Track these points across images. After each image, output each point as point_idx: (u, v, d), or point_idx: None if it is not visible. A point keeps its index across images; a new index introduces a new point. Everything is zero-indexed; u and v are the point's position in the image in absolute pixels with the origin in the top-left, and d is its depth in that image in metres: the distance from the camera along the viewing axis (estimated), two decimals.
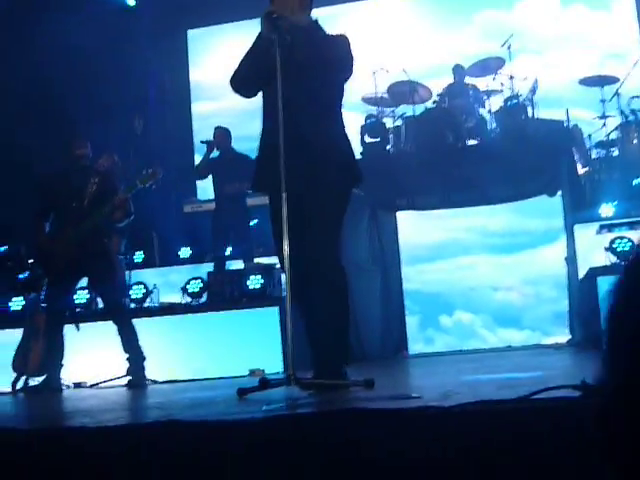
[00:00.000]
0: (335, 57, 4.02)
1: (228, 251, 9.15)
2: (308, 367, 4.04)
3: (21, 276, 9.01)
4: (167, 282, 9.29)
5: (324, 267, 3.99)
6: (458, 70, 9.85)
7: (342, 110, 4.22)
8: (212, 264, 9.12)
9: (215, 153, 9.12)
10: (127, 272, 8.70)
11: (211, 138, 9.15)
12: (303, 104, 3.92)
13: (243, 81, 4.07)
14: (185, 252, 9.96)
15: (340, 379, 3.89)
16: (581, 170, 9.17)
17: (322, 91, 3.98)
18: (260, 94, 4.26)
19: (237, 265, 8.97)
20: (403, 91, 9.58)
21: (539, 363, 5.62)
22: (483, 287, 10.03)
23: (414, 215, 9.75)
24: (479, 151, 9.10)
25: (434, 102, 9.56)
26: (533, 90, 9.22)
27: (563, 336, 8.73)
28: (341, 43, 4.11)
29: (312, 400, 3.49)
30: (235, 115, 10.41)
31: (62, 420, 3.65)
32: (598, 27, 10.76)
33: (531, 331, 9.67)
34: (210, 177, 9.26)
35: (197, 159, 10.43)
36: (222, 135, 9.12)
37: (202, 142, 9.27)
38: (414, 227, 9.96)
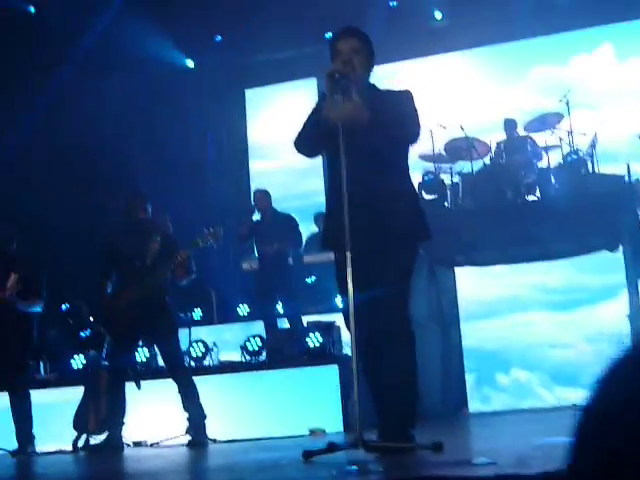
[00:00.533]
0: (399, 113, 3.99)
1: (280, 309, 9.14)
2: (369, 426, 3.96)
3: (82, 334, 9.10)
4: (225, 339, 9.31)
5: (395, 325, 3.94)
6: (509, 124, 9.84)
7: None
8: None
9: (258, 215, 9.21)
10: (186, 329, 8.72)
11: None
12: (368, 162, 3.91)
13: (307, 141, 4.08)
14: (243, 309, 9.97)
15: (407, 442, 3.82)
16: None
17: (387, 148, 3.96)
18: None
19: (285, 324, 8.97)
20: (460, 147, 9.58)
21: None
22: (540, 344, 9.85)
23: (471, 271, 9.67)
24: (539, 206, 9.03)
25: (491, 158, 9.54)
26: (593, 145, 9.16)
27: None
28: (405, 98, 4.10)
29: (381, 465, 3.41)
30: (289, 173, 10.52)
31: None
32: None
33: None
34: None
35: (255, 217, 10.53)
36: (262, 197, 9.22)
37: (247, 208, 9.36)
38: (471, 283, 9.85)
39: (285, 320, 9.13)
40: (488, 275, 9.78)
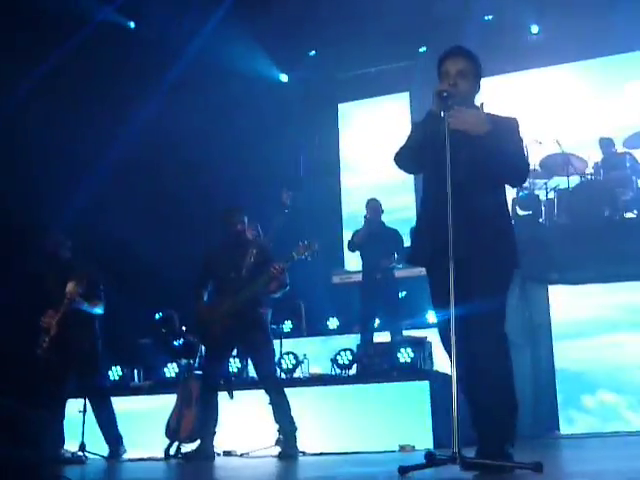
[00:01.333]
0: (507, 138, 3.97)
1: (376, 323, 9.11)
2: (462, 444, 3.89)
3: (176, 343, 9.24)
4: (314, 352, 9.33)
5: (492, 343, 3.91)
6: (605, 143, 9.64)
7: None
8: (359, 335, 9.11)
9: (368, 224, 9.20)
10: (277, 341, 8.77)
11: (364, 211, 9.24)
12: (468, 181, 3.88)
13: (409, 157, 4.06)
14: (333, 322, 9.99)
15: (506, 460, 3.75)
16: None
17: (489, 171, 3.92)
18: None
19: (384, 338, 8.92)
20: (556, 163, 9.43)
21: None
22: (629, 366, 9.57)
23: (562, 290, 9.47)
24: (637, 224, 8.81)
25: (589, 174, 9.36)
26: None
27: None
28: (513, 128, 4.07)
29: None
30: (379, 189, 10.49)
31: None
32: None
33: None
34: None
35: (345, 232, 10.56)
36: (375, 208, 9.20)
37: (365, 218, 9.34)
38: (560, 302, 9.65)
39: (379, 334, 9.08)
40: (577, 294, 9.56)
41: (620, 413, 9.45)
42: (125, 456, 7.31)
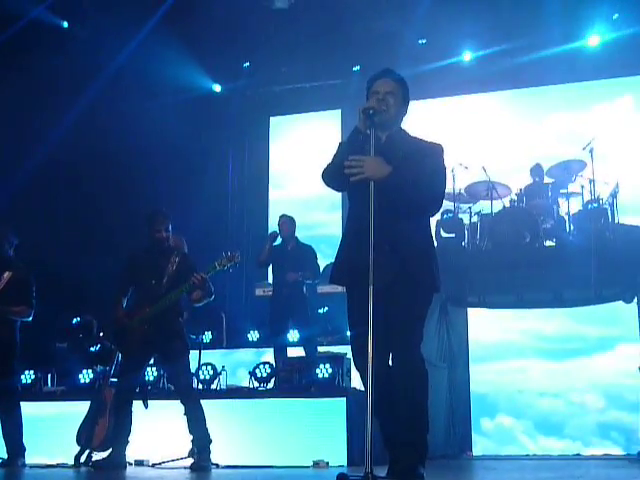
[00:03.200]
0: (427, 165, 4.01)
1: (291, 337, 9.10)
2: (374, 463, 3.89)
3: (92, 349, 9.10)
4: (234, 364, 9.31)
5: (409, 363, 3.95)
6: (537, 170, 9.84)
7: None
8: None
9: (278, 240, 9.19)
10: (196, 352, 8.71)
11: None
12: (391, 204, 3.90)
13: (335, 174, 4.08)
14: (253, 335, 9.96)
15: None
16: None
17: (412, 194, 3.95)
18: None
19: (298, 352, 8.93)
20: (481, 190, 9.60)
21: (620, 476, 5.40)
22: (530, 392, 9.80)
23: (475, 313, 9.66)
24: (556, 253, 9.01)
25: (512, 200, 9.55)
26: (614, 194, 9.15)
27: (604, 448, 8.80)
28: (435, 152, 4.10)
29: None
30: (304, 204, 10.52)
31: None
32: None
33: (571, 441, 9.40)
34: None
35: None
36: (286, 223, 9.22)
37: (270, 234, 9.35)
38: (472, 325, 9.83)
39: (294, 349, 9.09)
40: (488, 318, 9.75)
41: (516, 437, 9.66)
42: (35, 462, 7.14)
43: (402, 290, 3.93)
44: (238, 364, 9.44)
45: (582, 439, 9.39)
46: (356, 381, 7.77)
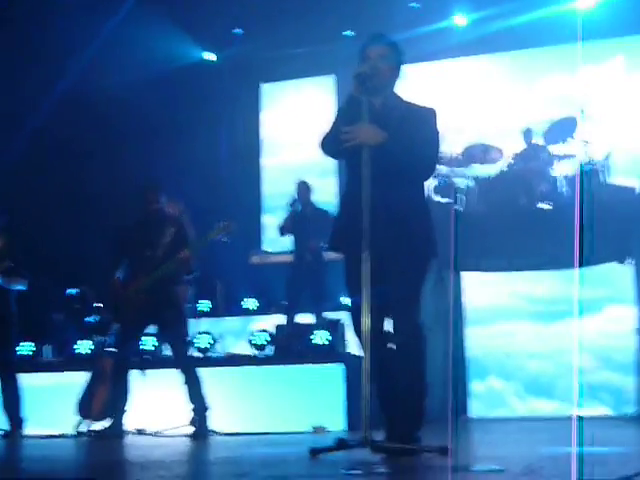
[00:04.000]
0: (421, 129, 4.01)
1: (307, 303, 9.11)
2: (372, 427, 3.92)
3: (89, 319, 9.11)
4: (231, 332, 9.33)
5: (408, 329, 3.97)
6: (528, 134, 9.81)
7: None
8: (276, 315, 9.13)
9: (298, 208, 9.19)
10: (193, 320, 8.72)
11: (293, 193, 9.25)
12: (387, 170, 3.89)
13: (333, 143, 4.06)
14: (250, 303, 9.97)
15: (414, 444, 3.82)
16: None
17: (407, 159, 3.95)
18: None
19: (305, 319, 8.95)
20: (475, 153, 9.57)
21: (614, 437, 5.45)
22: (519, 354, 9.84)
23: (471, 277, 9.67)
24: (551, 215, 9.02)
25: (507, 164, 9.53)
26: (607, 156, 9.14)
27: (593, 408, 8.85)
28: (428, 117, 4.10)
29: (389, 466, 3.41)
30: (298, 171, 10.47)
31: (138, 472, 3.61)
32: None
33: (561, 402, 9.46)
34: None
35: (265, 213, 10.57)
36: (304, 190, 9.20)
37: (290, 204, 9.32)
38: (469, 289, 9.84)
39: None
40: (477, 282, 9.74)
41: (505, 399, 9.71)
42: (34, 432, 7.19)
43: (400, 257, 3.94)
44: (236, 332, 9.46)
45: (571, 400, 9.45)
46: (354, 347, 7.82)
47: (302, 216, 9.11)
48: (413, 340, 3.98)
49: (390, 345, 3.98)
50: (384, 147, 3.87)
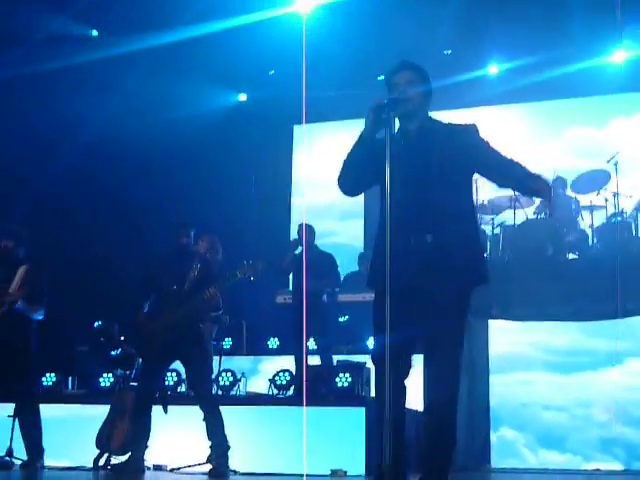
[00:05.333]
0: (464, 146, 3.86)
1: (310, 345, 9.08)
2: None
3: (113, 353, 9.13)
4: (254, 371, 9.31)
5: (446, 375, 3.77)
6: (559, 182, 9.80)
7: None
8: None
9: (298, 249, 9.21)
10: (216, 358, 8.72)
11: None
12: (429, 193, 3.75)
13: (352, 172, 3.93)
14: (273, 342, 9.96)
15: None
16: None
17: (451, 181, 3.80)
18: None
19: (315, 361, 8.92)
20: (504, 202, 9.58)
21: None
22: (534, 405, 9.74)
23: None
24: (578, 266, 8.98)
25: (535, 212, 9.52)
26: (638, 208, 9.11)
27: (605, 463, 8.80)
28: (471, 132, 3.95)
29: None
30: (326, 212, 10.50)
31: None
32: None
33: (572, 455, 9.33)
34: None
35: None
36: (306, 233, 9.22)
37: (291, 241, 9.36)
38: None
39: (311, 357, 9.07)
40: (497, 330, 9.67)
41: (517, 450, 9.59)
42: (54, 464, 7.18)
43: (445, 288, 3.72)
44: (257, 371, 9.44)
45: (582, 454, 9.33)
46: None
47: (302, 258, 9.12)
48: (449, 386, 3.77)
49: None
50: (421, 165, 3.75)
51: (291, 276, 9.48)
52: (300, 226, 9.35)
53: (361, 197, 4.39)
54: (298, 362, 8.86)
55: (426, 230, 3.72)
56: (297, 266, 9.15)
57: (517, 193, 9.49)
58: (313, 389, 7.92)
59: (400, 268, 3.46)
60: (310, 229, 9.28)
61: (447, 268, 3.73)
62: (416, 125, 3.95)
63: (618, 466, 9.07)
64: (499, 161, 3.97)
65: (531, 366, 9.76)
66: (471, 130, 3.97)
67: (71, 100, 10.26)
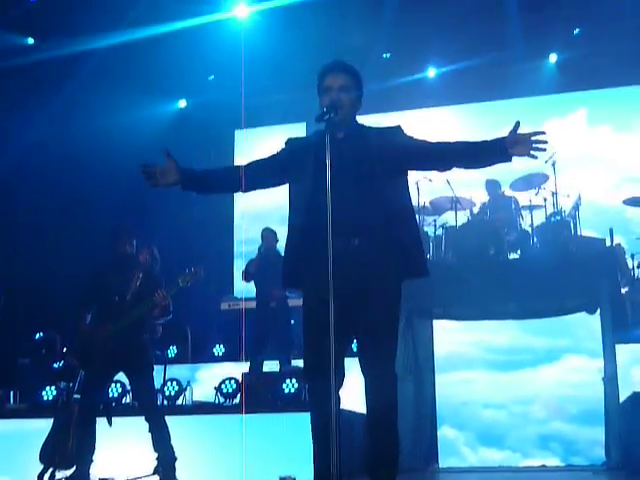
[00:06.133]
0: (392, 146, 3.83)
1: (270, 351, 9.08)
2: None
3: (55, 365, 8.99)
4: (199, 379, 9.25)
5: (382, 379, 3.75)
6: (491, 184, 9.92)
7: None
8: (246, 364, 9.06)
9: (260, 253, 9.21)
10: (161, 367, 8.65)
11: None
12: (352, 190, 3.70)
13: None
14: (219, 350, 9.91)
15: None
16: (623, 289, 9.10)
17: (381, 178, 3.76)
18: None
19: (272, 367, 8.89)
20: (445, 203, 9.66)
21: None
22: (474, 403, 9.86)
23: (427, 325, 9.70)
24: (520, 265, 9.09)
25: (476, 213, 9.62)
26: (576, 207, 9.25)
27: (544, 459, 8.96)
28: (397, 133, 3.93)
29: None
30: (271, 217, 10.50)
31: None
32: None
33: (512, 452, 9.46)
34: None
35: (236, 258, 10.53)
36: (269, 236, 9.23)
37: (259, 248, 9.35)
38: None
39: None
40: (437, 330, 9.76)
41: (457, 448, 9.70)
42: None
43: (370, 287, 3.66)
44: (203, 380, 9.38)
45: (521, 450, 9.46)
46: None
47: (266, 263, 9.11)
48: (387, 391, 3.76)
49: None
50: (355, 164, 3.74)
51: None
52: (263, 230, 9.38)
53: None
54: (255, 368, 8.83)
55: (352, 235, 3.66)
56: (261, 271, 9.14)
57: (458, 196, 9.61)
58: (258, 396, 7.90)
59: (333, 272, 3.36)
60: (272, 233, 9.30)
61: (375, 267, 3.66)
62: (344, 131, 3.86)
63: (556, 462, 9.20)
64: (429, 148, 3.96)
65: (472, 365, 9.87)
66: (396, 130, 3.95)
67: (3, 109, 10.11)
